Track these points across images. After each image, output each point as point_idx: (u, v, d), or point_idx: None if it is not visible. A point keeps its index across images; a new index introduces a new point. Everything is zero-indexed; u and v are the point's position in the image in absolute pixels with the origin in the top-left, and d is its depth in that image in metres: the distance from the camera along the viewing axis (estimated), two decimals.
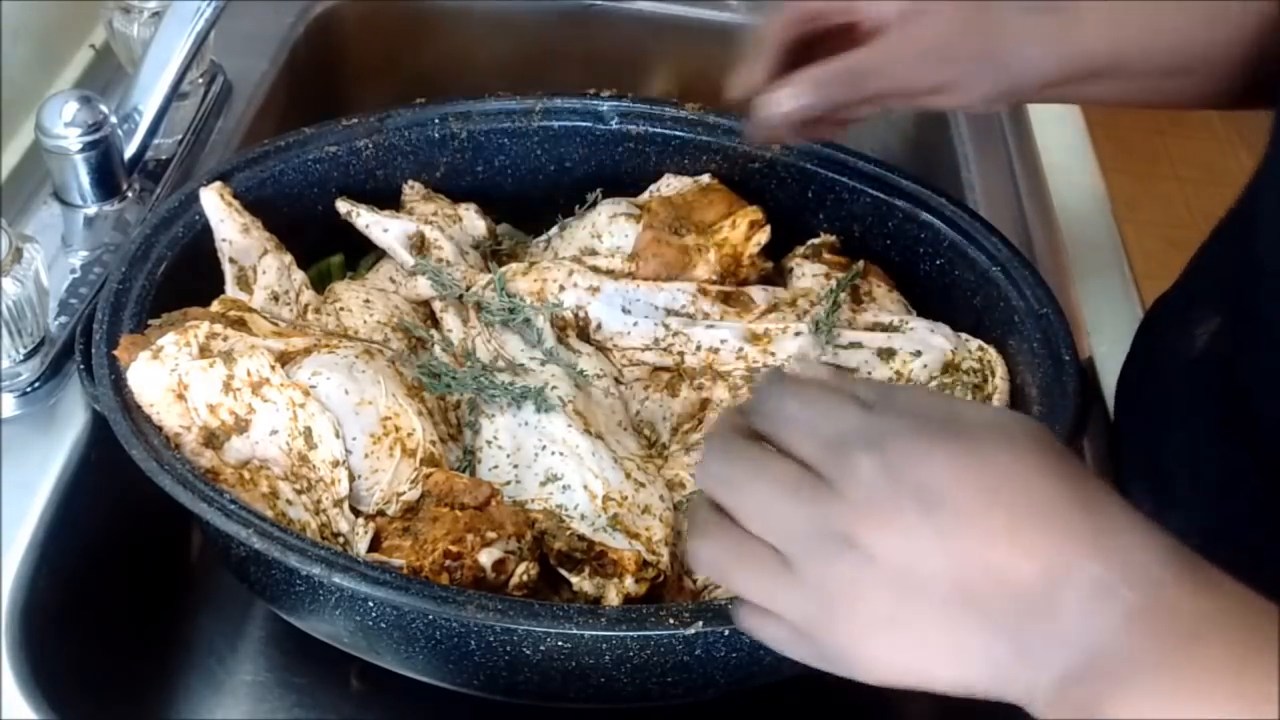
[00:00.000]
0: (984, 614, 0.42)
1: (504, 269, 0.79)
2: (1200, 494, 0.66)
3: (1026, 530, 0.42)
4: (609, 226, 0.83)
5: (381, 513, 0.65)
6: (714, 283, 0.80)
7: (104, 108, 0.80)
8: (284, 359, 0.66)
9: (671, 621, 0.56)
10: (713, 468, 0.47)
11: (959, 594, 0.42)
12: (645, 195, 0.86)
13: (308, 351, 0.67)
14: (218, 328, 0.66)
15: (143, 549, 0.77)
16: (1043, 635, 0.41)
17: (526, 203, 0.89)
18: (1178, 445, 0.69)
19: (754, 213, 0.82)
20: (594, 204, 0.86)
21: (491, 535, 0.62)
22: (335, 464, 0.64)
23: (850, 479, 0.43)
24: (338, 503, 0.63)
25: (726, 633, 0.59)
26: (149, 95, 0.81)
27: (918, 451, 0.43)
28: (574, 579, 0.63)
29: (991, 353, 0.76)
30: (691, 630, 0.56)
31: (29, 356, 0.72)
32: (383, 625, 0.60)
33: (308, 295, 0.76)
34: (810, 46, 0.72)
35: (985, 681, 0.43)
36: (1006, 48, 0.68)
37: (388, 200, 0.84)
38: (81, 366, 0.66)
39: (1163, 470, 0.69)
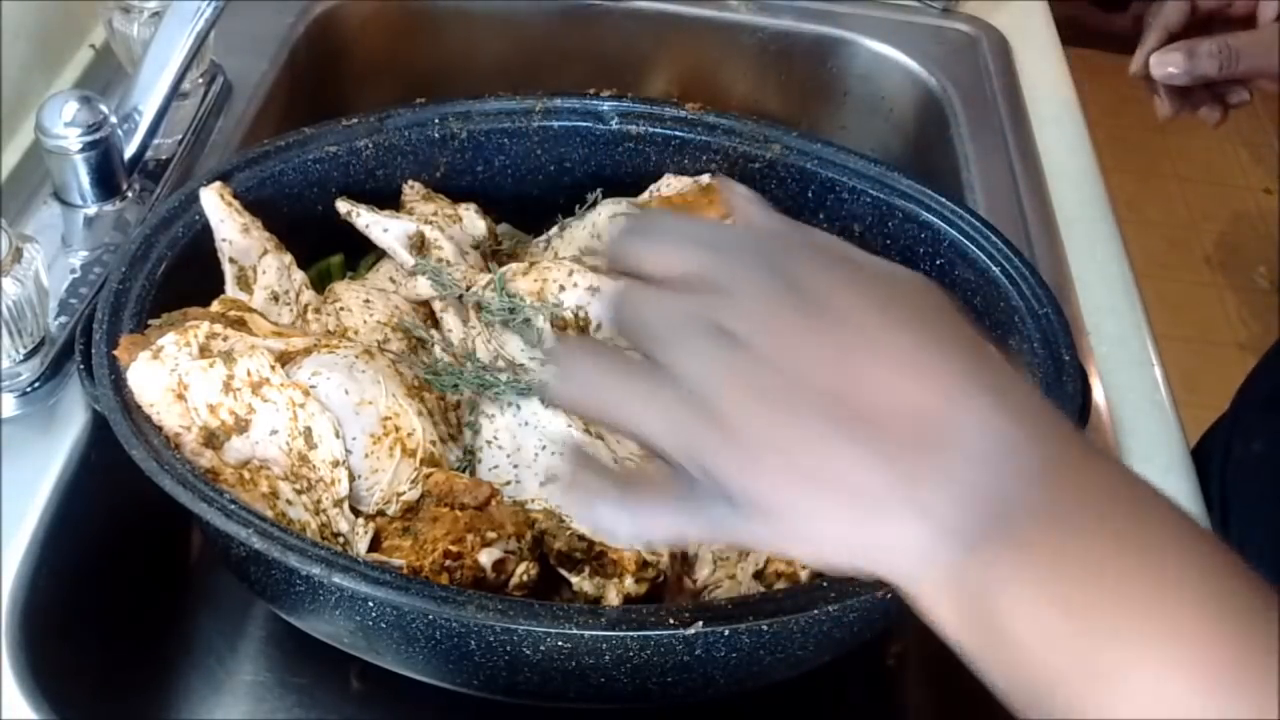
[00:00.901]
0: (870, 437, 0.37)
1: (504, 269, 0.79)
2: None
3: (928, 359, 0.38)
4: (609, 226, 0.83)
5: (381, 513, 0.65)
6: None
7: (104, 108, 0.80)
8: (284, 359, 0.66)
9: (671, 621, 0.56)
10: (623, 296, 0.41)
11: (846, 412, 0.37)
12: (645, 195, 0.86)
13: (308, 351, 0.67)
14: (218, 328, 0.66)
15: (143, 549, 0.77)
16: (933, 468, 0.36)
17: (526, 203, 0.89)
18: None
19: None
20: (594, 204, 0.86)
21: (491, 535, 0.62)
22: (335, 464, 0.64)
23: (745, 282, 0.39)
24: (338, 503, 0.63)
25: (726, 633, 0.59)
26: (149, 95, 0.81)
27: (818, 265, 0.39)
28: (574, 579, 0.63)
29: None
30: (691, 630, 0.56)
31: (29, 356, 0.72)
32: (383, 625, 0.60)
33: (308, 295, 0.76)
34: (1205, 29, 0.80)
35: (855, 526, 0.37)
36: None
37: (388, 200, 0.84)
38: (81, 366, 0.66)
39: None
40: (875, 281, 0.40)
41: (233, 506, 0.58)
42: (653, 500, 0.40)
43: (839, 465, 0.37)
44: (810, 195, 0.86)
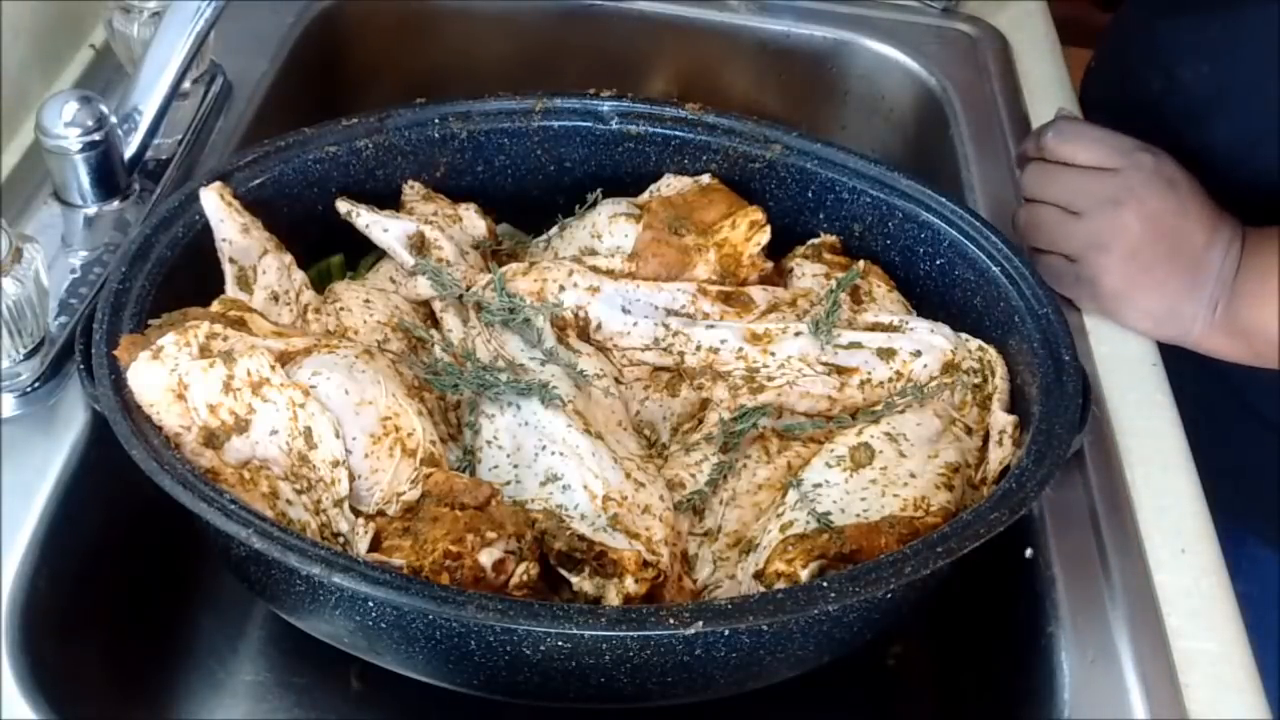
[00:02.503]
0: (1177, 262, 0.78)
1: (504, 269, 0.79)
2: None
3: (1200, 219, 0.78)
4: (609, 226, 0.83)
5: (381, 513, 0.65)
6: (714, 283, 0.80)
7: (104, 108, 0.80)
8: (284, 359, 0.66)
9: (671, 621, 0.56)
10: (1035, 177, 0.84)
11: (1171, 247, 0.78)
12: (645, 195, 0.86)
13: (308, 351, 0.67)
14: (218, 328, 0.66)
15: (143, 549, 0.77)
16: (1204, 276, 0.78)
17: (526, 203, 0.89)
18: None
19: (754, 213, 0.82)
20: (594, 204, 0.86)
21: (491, 535, 0.62)
22: (335, 464, 0.64)
23: (1132, 169, 0.79)
24: (338, 503, 0.64)
25: (726, 633, 0.59)
26: (149, 95, 0.81)
27: (1171, 164, 0.80)
28: (574, 579, 0.63)
29: (991, 353, 0.76)
30: (691, 630, 0.56)
31: (29, 356, 0.72)
32: (383, 625, 0.60)
33: (308, 295, 0.76)
34: None
35: (1168, 317, 0.80)
36: None
37: (388, 200, 0.84)
38: (81, 366, 0.66)
39: None
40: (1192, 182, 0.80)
41: (233, 506, 0.58)
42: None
43: (1161, 277, 0.79)
44: (810, 195, 0.86)
